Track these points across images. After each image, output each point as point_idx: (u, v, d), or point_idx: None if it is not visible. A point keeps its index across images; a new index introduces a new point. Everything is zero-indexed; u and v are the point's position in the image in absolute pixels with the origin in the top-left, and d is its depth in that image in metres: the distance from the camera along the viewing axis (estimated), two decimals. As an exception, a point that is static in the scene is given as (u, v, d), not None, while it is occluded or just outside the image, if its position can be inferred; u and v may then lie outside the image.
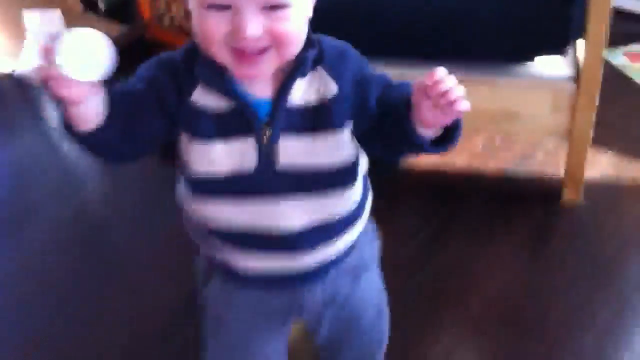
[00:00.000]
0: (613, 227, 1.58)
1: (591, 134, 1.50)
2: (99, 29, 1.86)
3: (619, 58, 2.16)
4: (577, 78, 1.45)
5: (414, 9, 1.49)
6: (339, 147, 0.87)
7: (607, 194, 1.65)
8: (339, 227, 0.91)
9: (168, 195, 1.01)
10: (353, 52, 0.88)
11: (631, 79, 2.08)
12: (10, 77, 2.34)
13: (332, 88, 0.85)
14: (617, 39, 2.13)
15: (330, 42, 0.86)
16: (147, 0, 2.40)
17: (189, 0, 0.80)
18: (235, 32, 0.76)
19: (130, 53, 2.28)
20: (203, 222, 0.90)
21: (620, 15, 2.30)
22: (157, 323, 1.39)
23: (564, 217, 1.58)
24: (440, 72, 0.74)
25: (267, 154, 0.84)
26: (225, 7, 0.76)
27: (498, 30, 1.49)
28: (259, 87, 0.83)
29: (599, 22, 1.39)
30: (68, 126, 0.79)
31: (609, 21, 1.42)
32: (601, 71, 1.45)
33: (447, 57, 1.19)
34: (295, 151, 0.85)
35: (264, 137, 0.84)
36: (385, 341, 1.06)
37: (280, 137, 0.83)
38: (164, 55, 0.86)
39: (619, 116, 1.91)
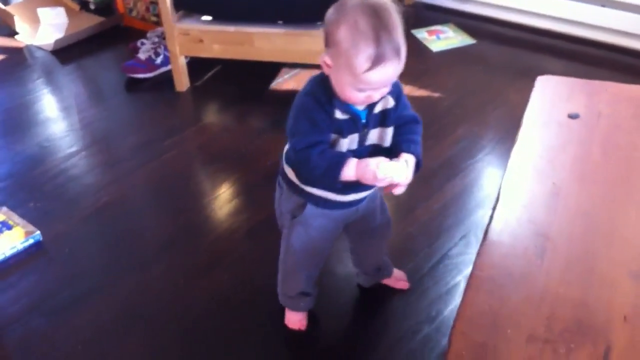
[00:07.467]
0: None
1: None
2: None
3: (423, 34, 3.01)
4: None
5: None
6: (389, 136, 1.29)
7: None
8: None
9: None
10: (398, 82, 1.26)
11: (427, 46, 2.92)
12: (28, 47, 3.09)
13: (391, 102, 1.27)
14: (421, 22, 3.09)
15: None
16: (121, 0, 3.18)
17: (343, 77, 1.14)
18: (369, 99, 1.18)
19: (112, 34, 3.43)
20: None
21: (426, 6, 3.23)
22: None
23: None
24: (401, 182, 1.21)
25: (362, 140, 1.26)
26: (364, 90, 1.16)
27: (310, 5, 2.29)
28: (360, 105, 1.24)
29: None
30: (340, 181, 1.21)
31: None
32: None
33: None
34: (374, 136, 1.28)
35: (364, 131, 1.25)
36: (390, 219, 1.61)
37: (369, 130, 1.26)
38: (310, 103, 1.21)
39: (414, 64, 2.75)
